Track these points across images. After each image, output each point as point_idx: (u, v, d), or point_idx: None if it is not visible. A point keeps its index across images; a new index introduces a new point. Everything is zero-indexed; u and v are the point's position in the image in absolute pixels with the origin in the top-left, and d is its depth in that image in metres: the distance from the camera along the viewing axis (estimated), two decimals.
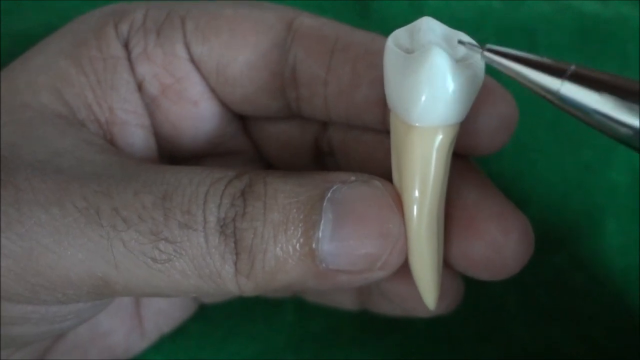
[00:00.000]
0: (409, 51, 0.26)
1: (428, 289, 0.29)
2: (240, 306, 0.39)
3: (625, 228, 0.42)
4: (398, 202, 0.27)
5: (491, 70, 0.27)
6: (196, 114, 0.33)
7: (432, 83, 0.25)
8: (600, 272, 0.41)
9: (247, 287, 0.27)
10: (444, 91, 0.25)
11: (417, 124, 0.26)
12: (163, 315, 0.37)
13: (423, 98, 0.25)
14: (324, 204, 0.26)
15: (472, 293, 0.33)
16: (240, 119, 0.35)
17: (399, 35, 0.27)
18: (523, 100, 0.31)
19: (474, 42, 0.26)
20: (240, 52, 0.31)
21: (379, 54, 0.27)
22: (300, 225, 0.26)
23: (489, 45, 0.24)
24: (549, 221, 0.42)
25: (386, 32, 0.31)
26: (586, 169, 0.43)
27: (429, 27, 0.26)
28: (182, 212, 0.26)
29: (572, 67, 0.22)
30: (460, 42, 0.26)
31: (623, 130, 0.22)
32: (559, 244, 0.41)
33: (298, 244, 0.26)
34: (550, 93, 0.23)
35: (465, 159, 0.31)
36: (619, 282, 0.40)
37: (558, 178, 0.43)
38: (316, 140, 0.35)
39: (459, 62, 0.25)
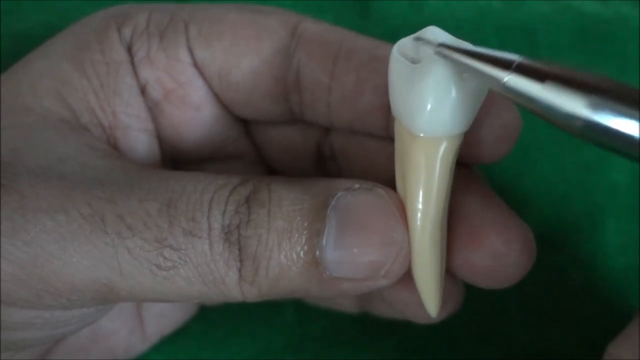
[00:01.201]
0: (414, 61, 0.26)
1: (430, 297, 0.29)
2: (241, 307, 0.39)
3: (625, 228, 0.42)
4: (401, 211, 0.27)
5: None
6: (199, 118, 0.33)
7: (437, 94, 0.25)
8: (600, 272, 0.41)
9: (251, 293, 0.27)
10: (448, 102, 0.25)
11: (421, 134, 0.26)
12: (164, 318, 0.37)
13: (428, 108, 0.25)
14: (328, 211, 0.26)
15: (472, 294, 0.33)
16: (243, 123, 0.35)
17: (404, 44, 0.27)
18: None
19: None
20: (243, 58, 0.31)
21: (383, 60, 0.27)
22: (304, 232, 0.26)
23: (441, 42, 0.25)
24: (549, 221, 0.42)
25: (386, 32, 0.31)
26: (586, 169, 0.43)
27: (434, 37, 0.26)
28: (186, 219, 0.26)
29: (517, 58, 0.23)
30: (417, 38, 0.26)
31: (575, 123, 0.21)
32: (559, 244, 0.41)
33: (302, 252, 0.26)
34: (498, 85, 0.23)
35: (468, 168, 0.31)
36: (619, 282, 0.40)
37: (558, 178, 0.43)
38: (318, 145, 0.35)
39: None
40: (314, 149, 0.35)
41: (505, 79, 0.22)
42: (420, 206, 0.27)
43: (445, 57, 0.24)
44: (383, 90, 0.29)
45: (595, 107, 0.21)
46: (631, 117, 0.20)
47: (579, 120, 0.21)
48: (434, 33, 0.26)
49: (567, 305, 0.40)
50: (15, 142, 0.29)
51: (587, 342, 0.39)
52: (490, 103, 0.28)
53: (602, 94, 0.21)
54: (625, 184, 0.43)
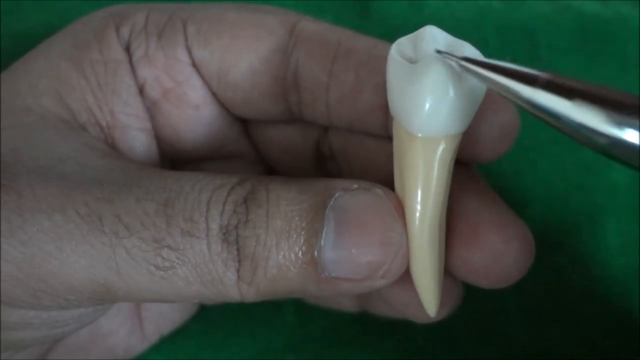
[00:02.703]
0: (412, 60, 0.26)
1: (429, 297, 0.29)
2: (241, 307, 0.39)
3: (625, 228, 0.42)
4: (400, 210, 0.27)
5: None
6: (197, 117, 0.33)
7: (435, 93, 0.25)
8: (600, 272, 0.41)
9: (249, 293, 0.27)
10: (446, 102, 0.25)
11: (419, 134, 0.26)
12: (163, 317, 0.37)
13: (426, 108, 0.25)
14: (326, 211, 0.26)
15: (472, 295, 0.33)
16: (242, 123, 0.35)
17: (402, 44, 0.26)
18: None
19: (479, 52, 0.26)
20: (242, 57, 0.31)
21: (382, 59, 0.27)
22: (302, 232, 0.26)
23: (465, 56, 0.24)
24: (549, 221, 0.42)
25: (386, 31, 0.31)
26: (586, 169, 0.43)
27: (432, 36, 0.26)
28: (184, 219, 0.26)
29: (546, 75, 0.22)
30: (438, 51, 0.25)
31: (600, 140, 0.21)
32: (559, 244, 0.41)
33: (300, 252, 0.26)
34: (524, 101, 0.22)
35: (467, 167, 0.31)
36: (619, 282, 0.40)
37: (558, 178, 0.43)
38: (317, 144, 0.35)
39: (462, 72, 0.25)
40: (313, 148, 0.35)
41: (533, 96, 0.22)
42: (418, 206, 0.27)
43: (469, 71, 0.24)
44: (382, 89, 0.29)
45: (619, 124, 0.21)
46: None
47: (603, 138, 0.21)
48: (432, 33, 0.26)
49: (567, 305, 0.40)
50: (15, 142, 0.29)
51: (587, 342, 0.39)
52: (488, 101, 0.28)
53: (626, 111, 0.21)
54: (625, 184, 0.43)
